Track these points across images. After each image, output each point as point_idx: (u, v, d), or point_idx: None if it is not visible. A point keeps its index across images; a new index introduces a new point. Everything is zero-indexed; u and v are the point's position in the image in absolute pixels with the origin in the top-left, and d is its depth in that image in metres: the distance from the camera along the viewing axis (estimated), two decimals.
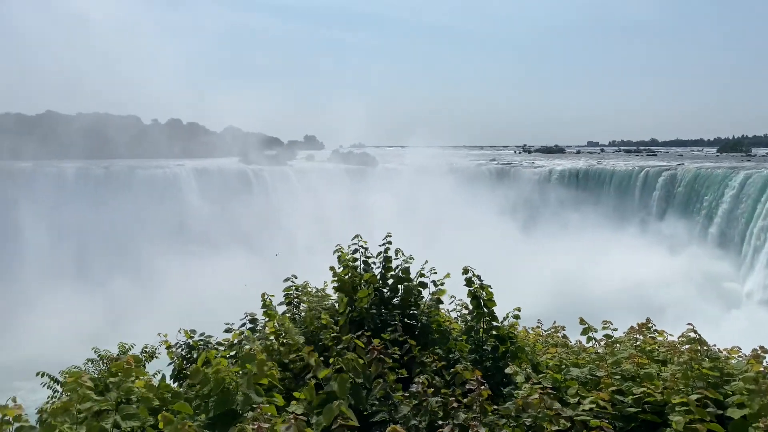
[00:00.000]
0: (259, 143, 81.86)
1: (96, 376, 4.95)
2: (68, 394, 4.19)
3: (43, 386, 9.08)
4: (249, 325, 6.73)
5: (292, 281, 7.07)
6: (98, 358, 9.74)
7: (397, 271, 6.11)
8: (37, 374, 8.96)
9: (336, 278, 6.05)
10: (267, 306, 6.27)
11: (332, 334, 4.91)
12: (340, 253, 6.22)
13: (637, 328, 6.05)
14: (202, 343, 7.22)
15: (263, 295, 6.34)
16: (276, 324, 5.86)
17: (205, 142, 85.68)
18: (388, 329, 5.10)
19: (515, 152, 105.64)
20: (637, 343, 5.77)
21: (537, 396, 4.07)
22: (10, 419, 3.99)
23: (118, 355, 9.82)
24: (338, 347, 4.47)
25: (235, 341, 6.50)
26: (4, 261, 56.16)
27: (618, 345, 5.66)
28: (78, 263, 54.63)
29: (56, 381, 9.19)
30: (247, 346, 5.94)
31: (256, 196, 62.85)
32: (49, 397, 8.96)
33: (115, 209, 59.38)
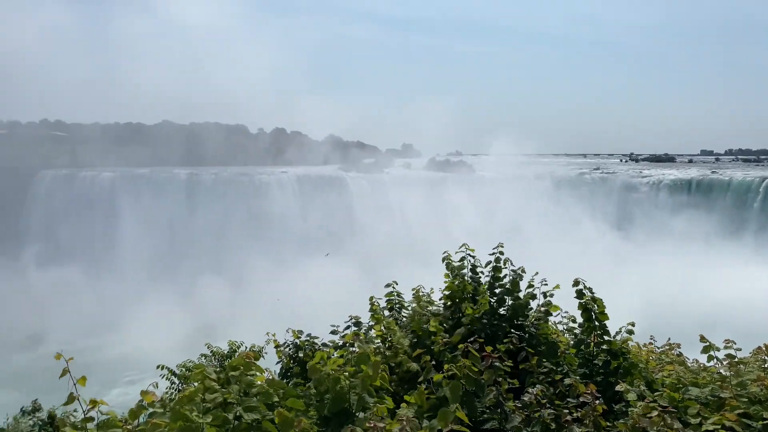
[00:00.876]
0: (357, 151, 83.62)
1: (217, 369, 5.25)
2: (194, 384, 4.46)
3: (162, 378, 9.77)
4: (353, 328, 6.90)
5: (393, 287, 7.18)
6: (211, 354, 10.35)
7: (505, 281, 6.07)
8: (158, 367, 9.66)
9: (447, 286, 6.08)
10: (374, 310, 6.39)
11: (444, 340, 4.95)
12: (447, 261, 6.25)
13: (764, 348, 5.64)
14: (308, 343, 7.49)
15: (371, 298, 6.47)
16: (382, 327, 5.97)
17: (307, 150, 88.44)
18: (504, 340, 5.09)
19: (621, 161, 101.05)
20: (765, 365, 5.39)
21: (657, 414, 3.90)
22: (146, 404, 4.34)
23: (228, 352, 10.40)
24: (452, 353, 4.50)
25: (340, 343, 6.70)
26: (116, 262, 60.65)
27: (743, 366, 5.31)
28: (181, 265, 57.99)
29: (174, 373, 9.87)
30: (353, 348, 6.10)
31: (355, 203, 64.11)
32: (167, 388, 9.63)
33: (222, 214, 62.63)
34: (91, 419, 4.59)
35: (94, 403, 4.61)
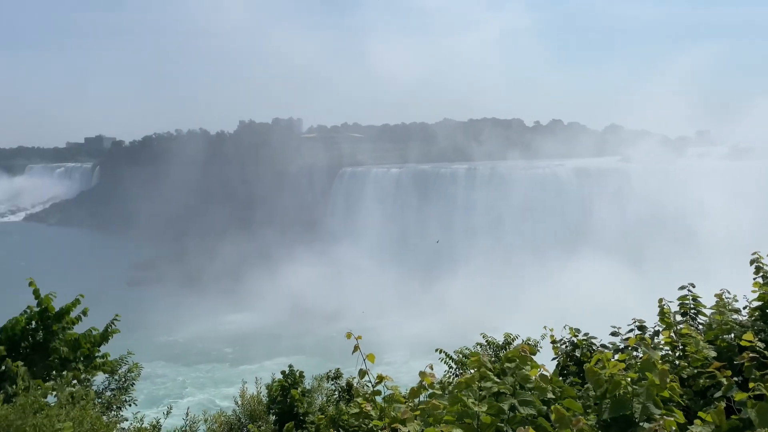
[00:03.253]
0: (644, 141, 77.22)
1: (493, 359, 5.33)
2: (469, 371, 4.59)
3: (441, 361, 10.29)
4: (637, 331, 6.39)
5: (689, 290, 6.45)
6: (486, 344, 10.56)
7: None
8: (436, 350, 10.19)
9: (759, 295, 5.23)
10: (664, 313, 5.82)
11: (750, 356, 4.28)
12: (758, 264, 5.38)
13: None
14: (586, 342, 7.17)
15: (660, 301, 5.91)
16: (672, 334, 5.41)
17: (586, 141, 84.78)
18: None
19: None
20: None
21: None
22: (425, 384, 4.63)
23: (503, 343, 10.50)
24: (760, 371, 3.87)
25: (621, 346, 6.25)
26: (407, 251, 65.68)
27: None
28: (457, 255, 60.32)
29: (451, 358, 10.31)
30: (636, 354, 5.64)
31: (638, 196, 59.11)
32: (445, 371, 10.11)
33: (499, 207, 63.56)
34: (379, 392, 5.08)
35: (380, 378, 5.09)
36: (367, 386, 9.20)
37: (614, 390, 3.82)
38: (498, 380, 4.33)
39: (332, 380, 9.48)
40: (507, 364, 4.49)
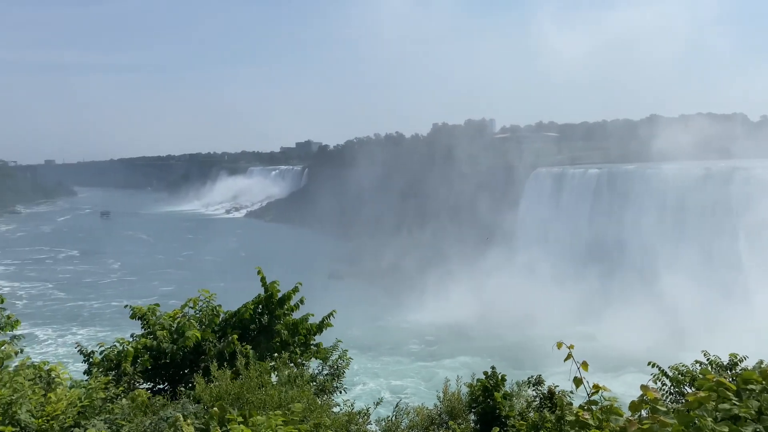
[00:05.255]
0: None
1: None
2: (686, 388, 4.22)
3: (653, 376, 9.56)
4: None
5: None
6: (707, 362, 9.61)
7: None
8: (649, 364, 9.50)
9: None
10: None
11: None
12: None
13: None
14: None
15: None
16: None
17: None
18: None
19: None
20: None
21: None
22: (647, 398, 4.31)
23: (728, 363, 9.45)
24: None
25: None
26: (616, 259, 61.92)
27: None
28: (662, 265, 55.11)
29: (664, 374, 9.53)
30: None
31: None
32: (657, 388, 9.38)
33: (712, 214, 56.99)
34: (595, 402, 4.82)
35: (597, 387, 4.82)
36: (569, 396, 8.86)
37: None
38: (738, 402, 3.91)
39: (533, 386, 9.27)
40: (750, 386, 4.03)
